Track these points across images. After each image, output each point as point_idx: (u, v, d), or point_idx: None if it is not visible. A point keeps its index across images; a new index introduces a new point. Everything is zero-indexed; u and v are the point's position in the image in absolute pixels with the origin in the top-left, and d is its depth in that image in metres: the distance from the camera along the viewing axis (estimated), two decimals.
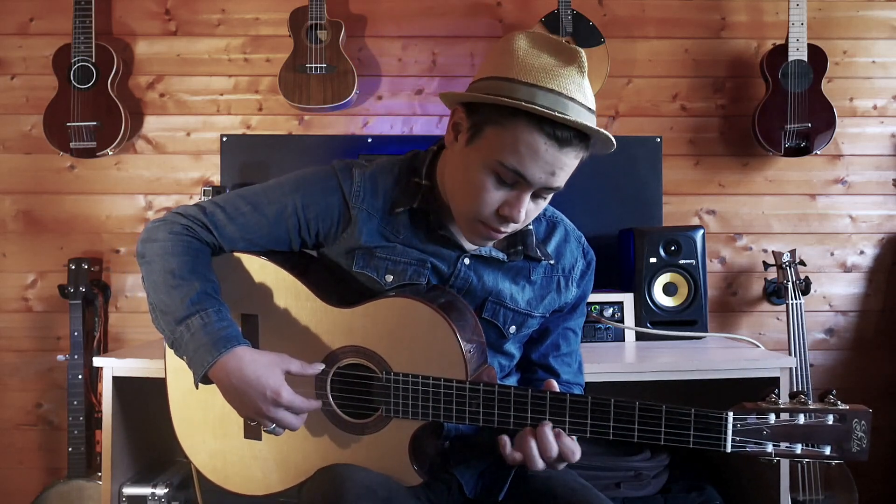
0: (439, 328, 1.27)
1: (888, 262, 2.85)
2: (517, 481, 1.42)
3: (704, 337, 2.34)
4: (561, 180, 1.25)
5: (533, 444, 1.23)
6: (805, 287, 2.55)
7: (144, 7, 2.80)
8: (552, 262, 1.43)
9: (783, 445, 1.18)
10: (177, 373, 1.42)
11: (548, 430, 1.23)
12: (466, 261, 1.39)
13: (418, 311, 1.28)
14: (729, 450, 1.18)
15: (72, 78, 2.62)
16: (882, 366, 2.83)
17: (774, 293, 2.79)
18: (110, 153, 2.69)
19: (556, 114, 1.17)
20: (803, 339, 2.52)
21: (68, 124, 2.62)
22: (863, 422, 1.19)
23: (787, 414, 1.18)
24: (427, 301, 1.29)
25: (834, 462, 1.20)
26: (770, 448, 1.18)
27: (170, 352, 1.37)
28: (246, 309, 1.40)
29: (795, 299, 2.53)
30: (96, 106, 2.63)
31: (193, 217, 1.37)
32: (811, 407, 1.18)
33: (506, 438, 1.26)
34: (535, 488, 1.38)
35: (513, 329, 1.41)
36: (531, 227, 1.41)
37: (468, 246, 1.38)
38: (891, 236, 2.84)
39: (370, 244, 1.37)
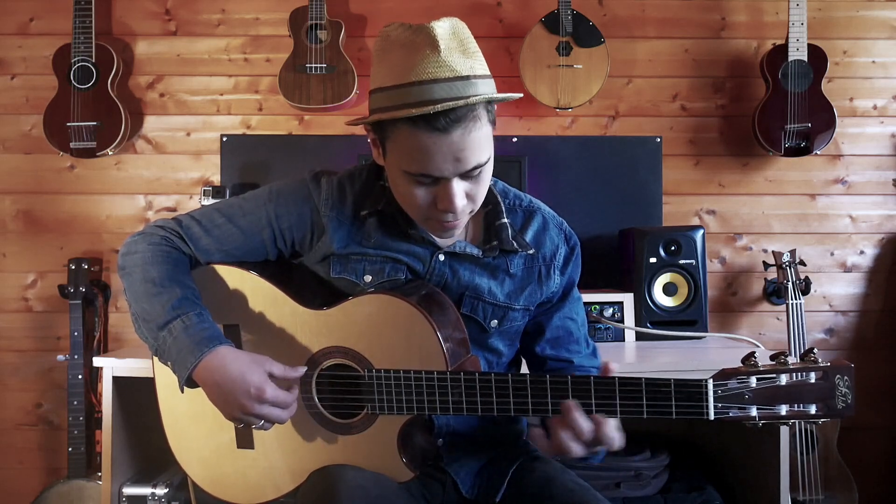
0: (417, 322, 1.27)
1: (888, 262, 2.85)
2: (515, 481, 1.42)
3: (704, 337, 2.35)
4: (476, 158, 1.22)
5: (578, 419, 1.19)
6: (805, 287, 2.55)
7: (144, 7, 2.80)
8: (531, 251, 1.42)
9: (767, 408, 1.16)
10: (168, 388, 1.42)
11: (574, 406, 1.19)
12: (441, 257, 1.39)
13: (395, 306, 1.29)
14: (712, 417, 1.17)
15: (72, 78, 2.62)
16: (882, 366, 2.83)
17: (774, 293, 2.79)
18: (110, 153, 2.69)
19: (413, 111, 1.16)
20: (803, 339, 2.52)
21: (68, 124, 2.62)
22: (845, 377, 1.14)
23: (770, 376, 1.15)
24: (403, 296, 1.29)
25: (821, 420, 1.17)
26: (754, 412, 1.16)
27: (159, 367, 1.39)
28: (226, 319, 1.41)
29: (795, 299, 2.53)
30: (96, 106, 2.63)
31: (171, 229, 1.39)
32: (791, 366, 1.15)
33: (538, 429, 1.24)
34: (533, 488, 1.38)
35: (494, 323, 1.41)
36: (506, 220, 1.40)
37: (441, 242, 1.39)
38: (891, 236, 2.84)
39: (343, 251, 1.38)
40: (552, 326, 1.46)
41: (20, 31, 2.78)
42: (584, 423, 1.19)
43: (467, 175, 1.23)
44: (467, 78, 1.19)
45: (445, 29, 1.20)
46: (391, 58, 1.21)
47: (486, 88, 1.21)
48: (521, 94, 1.32)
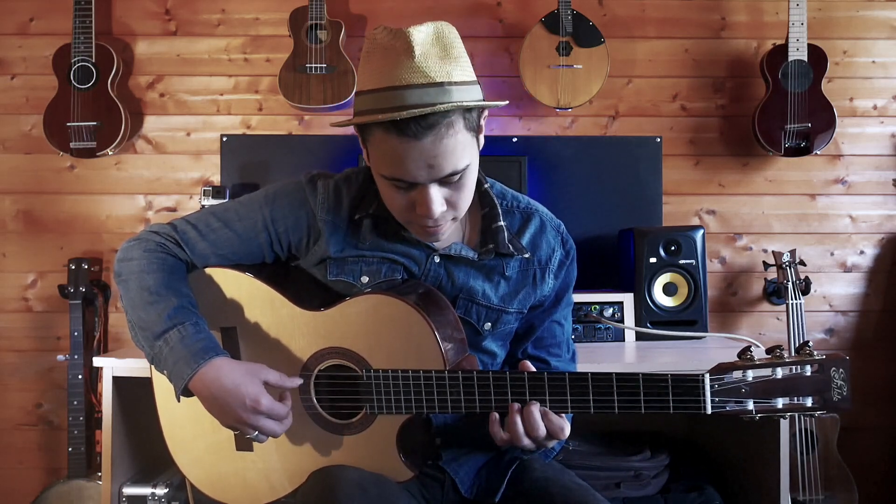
0: (414, 322, 1.27)
1: (888, 262, 2.85)
2: (514, 482, 1.42)
3: (704, 337, 2.34)
4: (451, 165, 1.20)
5: (519, 423, 1.24)
6: (805, 287, 2.55)
7: (144, 7, 2.80)
8: (527, 255, 1.41)
9: (764, 402, 1.17)
10: (165, 391, 1.42)
11: (535, 409, 1.24)
12: (437, 259, 1.39)
13: (392, 306, 1.29)
14: (710, 411, 1.18)
15: (72, 78, 2.62)
16: (882, 366, 2.83)
17: (774, 293, 2.79)
18: (110, 153, 2.69)
19: (379, 116, 1.16)
20: (803, 339, 2.52)
21: (68, 124, 2.62)
22: (841, 370, 1.16)
23: (767, 370, 1.17)
24: (401, 296, 1.29)
25: (817, 413, 1.18)
26: (751, 406, 1.17)
27: (157, 372, 1.38)
28: (224, 322, 1.41)
29: (795, 299, 2.53)
30: (96, 106, 2.63)
31: (167, 234, 1.39)
32: (786, 359, 1.17)
33: (496, 415, 1.27)
34: (532, 488, 1.38)
35: (488, 326, 1.41)
36: (503, 223, 1.39)
37: (437, 245, 1.38)
38: (891, 236, 2.84)
39: (339, 254, 1.38)
40: (539, 329, 1.47)
41: (20, 31, 2.78)
42: (538, 419, 1.24)
43: (446, 181, 1.23)
44: (441, 84, 1.17)
45: (426, 34, 1.19)
46: (372, 61, 1.21)
47: (463, 95, 1.19)
48: (507, 102, 1.30)
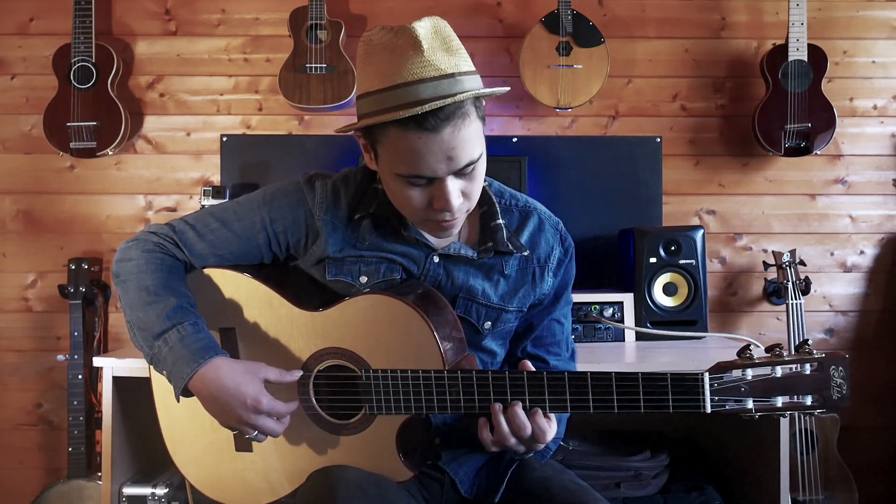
0: (413, 322, 1.27)
1: (888, 262, 2.84)
2: (514, 482, 1.42)
3: (704, 337, 2.34)
4: (468, 155, 1.21)
5: (503, 423, 1.24)
6: (805, 287, 2.54)
7: (144, 7, 2.80)
8: (526, 253, 1.41)
9: (763, 401, 1.17)
10: (164, 392, 1.42)
11: (518, 408, 1.24)
12: (436, 259, 1.39)
13: (391, 306, 1.29)
14: (709, 410, 1.18)
15: (72, 78, 2.62)
16: (882, 366, 2.83)
17: (774, 293, 2.79)
18: (110, 153, 2.69)
19: (401, 113, 1.15)
20: (803, 340, 2.51)
21: (68, 124, 2.62)
22: (840, 368, 1.17)
23: (766, 369, 1.17)
24: (399, 296, 1.29)
25: (817, 412, 1.18)
26: (750, 404, 1.17)
27: (156, 372, 1.38)
28: (223, 323, 1.41)
29: (795, 299, 2.53)
30: (96, 106, 2.63)
31: (165, 235, 1.39)
32: (785, 358, 1.17)
33: (484, 420, 1.27)
34: (532, 488, 1.38)
35: (488, 325, 1.41)
36: (501, 221, 1.40)
37: (436, 244, 1.38)
38: (891, 236, 2.84)
39: (338, 254, 1.38)
40: (538, 328, 1.47)
41: (20, 31, 2.78)
42: (524, 419, 1.24)
43: (461, 173, 1.23)
44: (452, 76, 1.18)
45: (427, 28, 1.20)
46: (375, 62, 1.21)
47: (473, 84, 1.21)
48: (508, 88, 1.32)
